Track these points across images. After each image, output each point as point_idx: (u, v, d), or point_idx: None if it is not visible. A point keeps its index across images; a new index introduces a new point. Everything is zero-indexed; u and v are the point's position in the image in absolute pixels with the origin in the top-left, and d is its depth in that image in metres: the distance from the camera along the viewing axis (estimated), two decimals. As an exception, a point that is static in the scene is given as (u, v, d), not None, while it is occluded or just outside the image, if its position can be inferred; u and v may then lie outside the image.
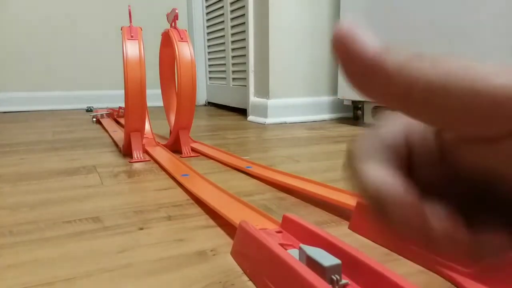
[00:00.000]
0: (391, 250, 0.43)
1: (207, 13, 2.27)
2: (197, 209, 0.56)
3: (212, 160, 0.89)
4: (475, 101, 0.11)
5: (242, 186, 0.68)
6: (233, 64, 1.97)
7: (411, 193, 0.13)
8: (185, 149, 0.95)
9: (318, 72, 1.62)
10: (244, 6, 1.72)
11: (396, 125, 0.15)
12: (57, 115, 1.93)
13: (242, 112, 1.95)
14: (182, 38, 0.94)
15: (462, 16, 1.04)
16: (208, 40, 2.31)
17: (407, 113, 0.13)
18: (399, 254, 0.42)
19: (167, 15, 1.00)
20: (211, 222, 0.51)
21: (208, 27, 2.29)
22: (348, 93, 1.47)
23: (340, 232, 0.48)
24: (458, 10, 1.05)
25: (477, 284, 0.34)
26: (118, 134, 1.20)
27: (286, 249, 0.35)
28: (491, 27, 0.98)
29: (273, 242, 0.35)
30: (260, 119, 1.57)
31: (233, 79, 1.99)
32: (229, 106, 2.17)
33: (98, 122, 1.60)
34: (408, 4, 1.19)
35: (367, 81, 0.13)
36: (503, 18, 0.95)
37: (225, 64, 2.07)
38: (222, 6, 2.01)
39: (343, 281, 0.32)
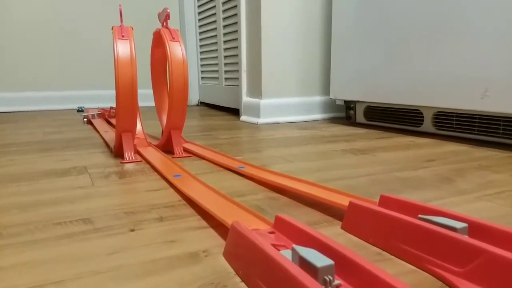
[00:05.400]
0: (383, 250, 0.43)
1: (199, 13, 2.26)
2: (189, 210, 0.56)
3: (204, 161, 0.88)
4: None
5: (234, 186, 0.68)
6: (226, 64, 1.97)
7: None
8: (177, 150, 0.95)
9: (311, 72, 1.62)
10: (236, 5, 1.72)
11: None
12: (48, 116, 1.91)
13: (234, 112, 1.95)
14: (173, 38, 0.94)
15: (458, 12, 1.05)
16: (200, 39, 2.31)
17: None
18: (391, 254, 0.42)
19: (159, 15, 1.00)
20: (203, 223, 0.51)
21: (200, 26, 2.28)
22: (341, 93, 1.47)
23: (333, 232, 0.48)
24: (455, 6, 1.06)
25: (468, 283, 0.34)
26: (109, 135, 1.19)
27: (278, 250, 0.35)
28: (488, 24, 0.99)
29: (265, 243, 0.35)
30: (253, 119, 1.57)
31: (226, 79, 1.99)
32: (221, 106, 2.17)
33: (89, 122, 1.59)
34: (401, 3, 1.19)
35: None
36: (502, 14, 0.96)
37: (217, 64, 2.07)
38: (214, 6, 2.01)
39: (336, 281, 0.32)
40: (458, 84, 1.06)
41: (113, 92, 2.14)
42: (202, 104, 2.44)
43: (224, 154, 0.90)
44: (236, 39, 1.77)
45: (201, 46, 2.31)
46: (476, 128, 1.09)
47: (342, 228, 0.49)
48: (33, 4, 2.11)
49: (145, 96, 2.10)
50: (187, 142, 1.05)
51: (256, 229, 0.43)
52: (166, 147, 0.99)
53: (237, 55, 1.76)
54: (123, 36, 0.87)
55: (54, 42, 2.18)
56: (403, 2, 1.18)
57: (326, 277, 0.31)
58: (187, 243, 0.45)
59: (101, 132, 1.25)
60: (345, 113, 1.53)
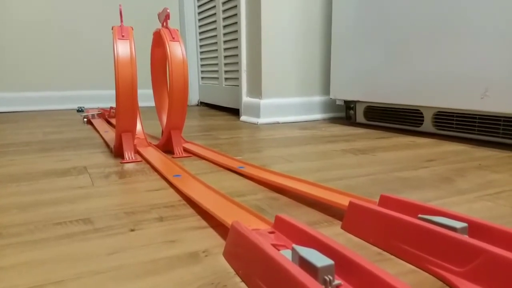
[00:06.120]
0: (383, 250, 0.43)
1: (199, 13, 2.26)
2: (189, 210, 0.56)
3: (204, 161, 0.88)
4: None
5: (234, 186, 0.68)
6: (226, 64, 1.97)
7: None
8: (177, 150, 0.94)
9: (311, 72, 1.62)
10: (236, 5, 1.72)
11: None
12: (48, 116, 1.91)
13: (234, 112, 1.95)
14: (173, 38, 0.94)
15: (458, 12, 1.05)
16: (200, 39, 2.31)
17: None
18: (391, 254, 0.42)
19: (159, 15, 1.00)
20: (203, 223, 0.51)
21: (200, 26, 2.28)
22: (340, 93, 1.47)
23: (333, 232, 0.48)
24: (455, 6, 1.06)
25: (468, 283, 0.34)
26: (109, 135, 1.19)
27: (278, 250, 0.35)
28: (488, 24, 0.99)
29: (265, 243, 0.35)
30: (253, 119, 1.57)
31: (226, 79, 1.99)
32: (221, 106, 2.17)
33: (89, 122, 1.59)
34: (401, 3, 1.19)
35: None
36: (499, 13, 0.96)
37: (217, 64, 2.07)
38: (214, 6, 2.01)
39: (336, 281, 0.32)
40: (458, 84, 1.06)
41: (113, 92, 2.14)
42: (202, 104, 2.44)
43: (224, 154, 0.90)
44: (236, 39, 1.77)
45: (201, 46, 2.31)
46: (476, 128, 1.09)
47: (342, 228, 0.49)
48: (33, 4, 2.11)
49: (145, 96, 2.10)
50: (187, 142, 1.05)
51: (256, 229, 0.43)
52: (166, 147, 0.99)
53: (237, 55, 1.76)
54: (123, 36, 0.87)
55: (54, 42, 2.18)
56: (403, 2, 1.18)
57: (326, 277, 0.31)
58: (187, 243, 0.45)
59: (101, 132, 1.25)
60: (345, 113, 1.53)
